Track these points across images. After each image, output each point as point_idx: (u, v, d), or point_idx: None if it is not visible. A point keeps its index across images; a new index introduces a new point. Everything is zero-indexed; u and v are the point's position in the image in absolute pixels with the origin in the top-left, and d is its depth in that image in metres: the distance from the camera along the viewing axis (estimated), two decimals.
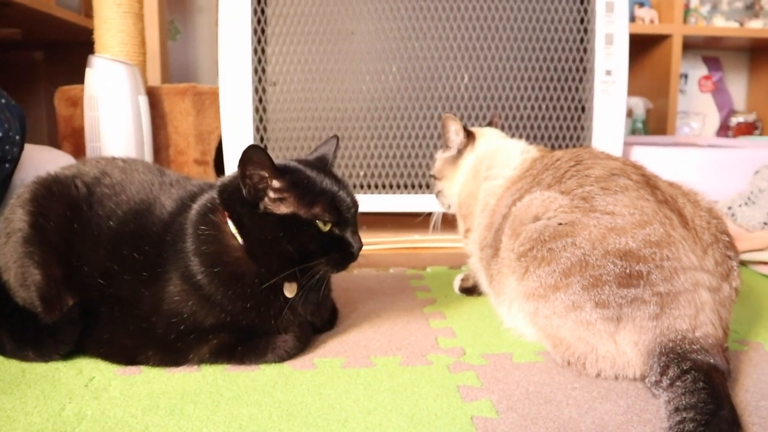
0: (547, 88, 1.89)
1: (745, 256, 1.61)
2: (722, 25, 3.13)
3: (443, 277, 1.51)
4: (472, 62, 1.85)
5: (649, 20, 2.97)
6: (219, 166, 2.07)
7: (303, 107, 1.85)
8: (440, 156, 1.42)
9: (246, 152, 0.90)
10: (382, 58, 1.84)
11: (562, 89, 1.90)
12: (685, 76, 3.30)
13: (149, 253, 0.97)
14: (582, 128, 1.92)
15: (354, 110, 1.86)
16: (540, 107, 1.89)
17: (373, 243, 1.82)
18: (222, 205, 0.97)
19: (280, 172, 0.92)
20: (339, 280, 1.43)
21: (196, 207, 1.00)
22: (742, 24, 3.15)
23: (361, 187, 1.89)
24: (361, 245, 0.98)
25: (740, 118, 3.20)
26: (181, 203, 1.03)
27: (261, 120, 1.85)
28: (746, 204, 1.62)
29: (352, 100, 1.85)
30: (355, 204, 1.00)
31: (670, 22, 2.93)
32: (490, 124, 1.46)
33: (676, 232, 0.93)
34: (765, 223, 1.58)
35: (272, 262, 0.94)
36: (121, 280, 0.97)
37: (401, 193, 1.89)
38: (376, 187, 1.89)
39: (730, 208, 1.65)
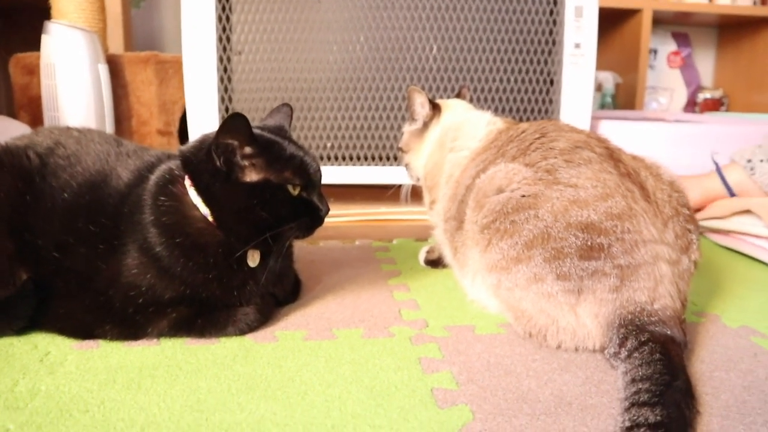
0: (516, 60, 1.88)
1: (705, 223, 1.63)
2: (692, 0, 3.14)
3: (409, 249, 1.51)
4: (441, 33, 1.83)
5: None
6: (183, 137, 2.03)
7: (269, 77, 1.82)
8: (407, 129, 1.41)
9: (228, 121, 0.88)
10: (349, 27, 1.81)
11: (531, 61, 1.89)
12: (655, 52, 3.31)
13: (106, 226, 0.95)
14: (550, 101, 1.92)
15: (321, 80, 1.83)
16: (509, 79, 1.88)
17: (340, 215, 1.81)
18: (188, 176, 0.95)
19: (253, 138, 0.90)
20: (303, 252, 1.42)
21: (154, 178, 0.98)
22: (711, 0, 3.16)
23: (329, 158, 1.87)
24: (328, 209, 0.98)
25: (707, 95, 3.23)
26: (139, 174, 1.00)
27: (226, 90, 1.81)
28: (767, 160, 1.56)
29: (319, 70, 1.82)
30: (319, 168, 0.99)
31: None
32: (458, 95, 1.45)
33: (637, 205, 0.93)
34: None
35: (244, 231, 0.93)
36: (76, 254, 0.94)
37: (369, 164, 1.87)
38: (344, 158, 1.87)
39: (749, 161, 1.58)
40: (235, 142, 0.89)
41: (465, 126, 1.26)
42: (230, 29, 1.79)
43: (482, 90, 1.87)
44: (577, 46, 1.90)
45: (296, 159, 0.94)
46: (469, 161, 1.17)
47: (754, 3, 3.13)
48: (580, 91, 1.91)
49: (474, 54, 1.85)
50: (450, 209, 1.16)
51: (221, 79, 1.80)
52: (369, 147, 1.86)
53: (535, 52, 1.88)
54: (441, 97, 1.83)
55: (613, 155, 1.02)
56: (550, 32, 1.88)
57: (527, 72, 1.89)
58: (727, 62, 3.36)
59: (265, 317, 1.01)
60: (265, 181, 0.91)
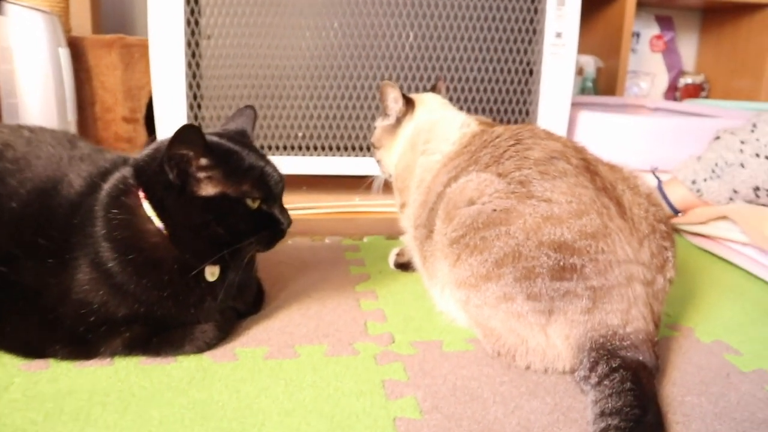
0: (495, 50, 1.83)
1: (683, 227, 1.61)
2: None
3: (380, 248, 1.47)
4: (418, 20, 1.76)
5: None
6: (150, 124, 1.96)
7: (239, 63, 1.75)
8: (379, 124, 1.36)
9: (180, 132, 0.82)
10: (323, 12, 1.74)
11: (511, 51, 1.84)
12: (637, 35, 3.26)
13: (55, 238, 0.90)
14: (529, 92, 1.88)
15: (293, 67, 1.77)
16: (487, 69, 1.83)
17: (310, 207, 1.77)
18: (141, 188, 0.89)
19: (208, 149, 0.85)
20: (271, 252, 1.38)
21: (107, 188, 0.92)
22: None
23: (300, 148, 1.81)
24: (290, 221, 0.93)
25: (688, 80, 3.20)
26: (91, 182, 0.94)
27: (194, 76, 1.74)
28: (711, 178, 1.49)
29: (291, 56, 1.76)
30: (282, 179, 0.94)
31: None
32: (433, 88, 1.40)
33: (613, 222, 0.90)
34: (731, 198, 1.47)
35: (200, 247, 0.88)
36: (24, 268, 0.89)
37: (342, 155, 1.82)
38: (316, 149, 1.82)
39: (694, 182, 1.51)
40: (190, 153, 0.84)
41: (438, 127, 1.22)
42: (199, 12, 1.72)
43: (459, 80, 1.82)
44: (559, 35, 1.85)
45: (256, 170, 0.90)
46: (441, 166, 1.13)
47: None
48: (560, 82, 1.87)
49: (452, 42, 1.79)
50: (420, 216, 1.12)
51: (189, 65, 1.73)
52: (342, 137, 1.81)
53: (516, 41, 1.83)
54: (416, 88, 1.79)
55: (589, 167, 0.98)
56: (531, 21, 1.83)
57: (506, 62, 1.84)
58: (710, 47, 3.32)
59: (224, 333, 0.97)
60: (222, 195, 0.86)
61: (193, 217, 0.87)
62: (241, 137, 0.96)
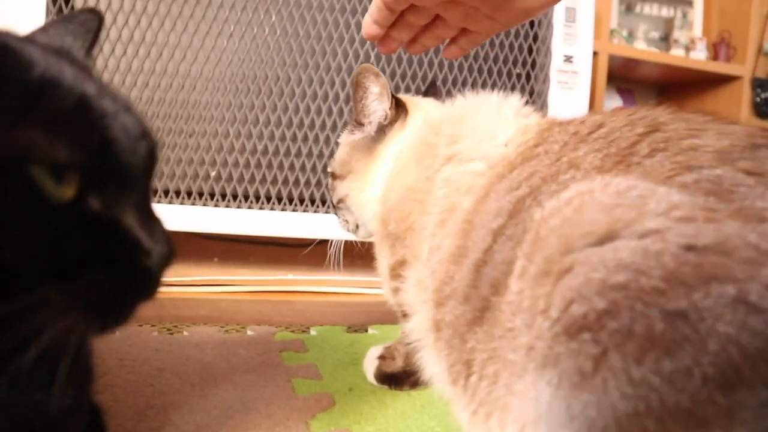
0: (490, 73, 1.34)
1: None
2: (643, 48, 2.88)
3: (340, 346, 0.88)
4: None
5: None
6: None
7: (132, 70, 1.17)
8: (346, 139, 0.82)
9: None
10: (254, 2, 1.21)
11: (509, 75, 1.36)
12: None
13: None
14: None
15: (208, 79, 1.20)
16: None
17: (223, 284, 1.16)
18: None
19: None
20: (140, 348, 0.78)
21: None
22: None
23: (212, 196, 1.22)
24: (169, 251, 0.37)
25: None
26: None
27: None
28: None
29: (206, 63, 1.20)
30: (151, 147, 0.37)
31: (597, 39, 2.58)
32: (429, 93, 0.88)
33: None
34: None
35: None
36: None
37: (275, 209, 1.24)
38: (236, 198, 1.23)
39: None
40: None
41: (471, 119, 0.67)
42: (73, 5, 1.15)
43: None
44: (568, 59, 1.39)
45: (68, 99, 0.32)
46: (495, 180, 0.58)
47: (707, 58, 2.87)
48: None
49: (434, 56, 1.30)
50: (453, 277, 0.56)
51: None
52: (276, 181, 1.24)
53: (514, 62, 1.36)
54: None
55: None
56: (533, 37, 1.37)
57: (503, 87, 1.35)
58: None
59: None
60: None
61: None
62: (62, 51, 0.38)
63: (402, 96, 0.83)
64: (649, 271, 0.38)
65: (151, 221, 0.37)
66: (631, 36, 3.09)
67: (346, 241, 0.94)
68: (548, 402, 0.43)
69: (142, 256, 0.35)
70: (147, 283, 0.36)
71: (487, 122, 0.64)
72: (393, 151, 0.76)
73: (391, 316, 0.97)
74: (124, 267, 0.35)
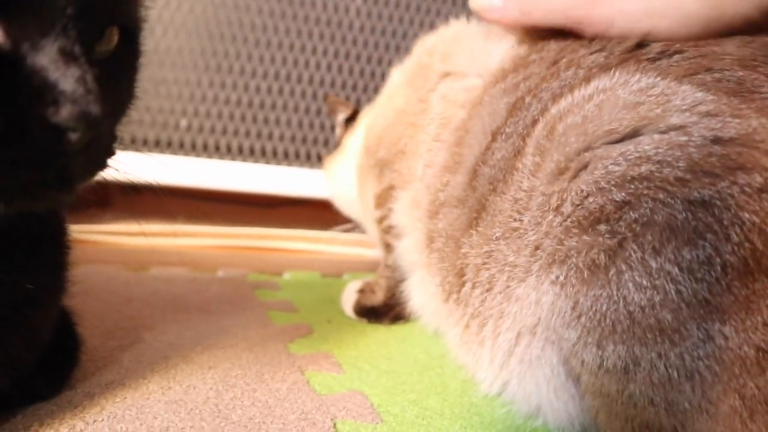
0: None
1: None
2: None
3: (315, 287, 0.86)
4: None
5: None
6: None
7: None
8: None
9: None
10: None
11: None
12: None
13: None
14: None
15: (181, 24, 1.16)
16: None
17: (191, 234, 1.12)
18: None
19: None
20: (104, 281, 0.74)
21: None
22: None
23: (181, 146, 1.18)
24: (94, 116, 0.29)
25: None
26: None
27: None
28: None
29: (179, 7, 1.16)
30: None
31: None
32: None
33: None
34: None
35: None
36: None
37: (247, 161, 1.21)
38: (207, 148, 1.19)
39: None
40: None
41: (467, 37, 0.65)
42: None
43: None
44: None
45: None
46: (488, 86, 0.56)
47: None
48: None
49: (410, 6, 1.28)
50: (449, 183, 0.54)
51: None
52: (249, 134, 1.20)
53: None
54: (365, 76, 1.23)
55: None
56: None
57: None
58: None
59: None
60: None
61: None
62: None
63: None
64: (673, 162, 0.37)
65: (81, 75, 0.29)
66: None
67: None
68: (551, 303, 0.41)
69: (49, 107, 0.28)
70: (55, 149, 0.29)
71: (482, 41, 0.62)
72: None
73: (367, 266, 0.95)
74: (23, 117, 0.28)
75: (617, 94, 0.42)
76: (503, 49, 0.60)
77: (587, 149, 0.40)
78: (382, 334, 0.67)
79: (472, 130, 0.53)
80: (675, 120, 0.38)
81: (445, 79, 0.61)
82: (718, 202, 0.35)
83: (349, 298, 0.72)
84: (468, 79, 0.59)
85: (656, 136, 0.38)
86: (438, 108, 0.60)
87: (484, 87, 0.56)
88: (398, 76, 0.70)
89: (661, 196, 0.36)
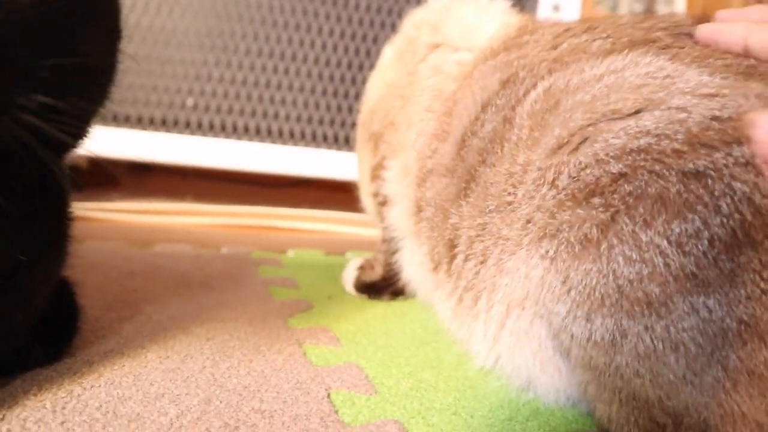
0: None
1: None
2: None
3: (318, 266, 0.86)
4: None
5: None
6: None
7: None
8: None
9: None
10: None
11: None
12: None
13: None
14: None
15: (187, 4, 1.16)
16: None
17: (196, 213, 1.13)
18: None
19: None
20: (105, 256, 0.75)
21: None
22: None
23: (187, 125, 1.19)
24: None
25: None
26: None
27: None
28: None
29: None
30: None
31: None
32: None
33: None
34: None
35: None
36: None
37: (253, 140, 1.21)
38: (214, 127, 1.20)
39: None
40: None
41: (457, 10, 0.65)
42: None
43: None
44: (556, 9, 1.38)
45: None
46: (481, 65, 0.56)
47: None
48: None
49: None
50: (437, 150, 0.55)
51: None
52: (263, 113, 1.20)
53: None
54: (372, 56, 1.23)
55: None
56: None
57: None
58: None
59: None
60: None
61: None
62: None
63: None
64: (672, 134, 0.37)
65: None
66: (614, 9, 3.10)
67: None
68: (540, 277, 0.42)
69: None
70: None
71: (473, 16, 0.62)
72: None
73: (371, 246, 0.96)
74: None
75: (625, 76, 0.42)
76: (494, 27, 0.60)
77: (591, 126, 0.40)
78: (381, 309, 0.67)
79: (462, 101, 0.53)
80: (677, 102, 0.38)
81: (435, 50, 0.62)
82: (712, 173, 0.35)
83: (349, 276, 0.73)
84: (460, 53, 0.59)
85: (657, 113, 0.38)
86: (429, 79, 0.60)
87: (474, 62, 0.56)
88: (389, 51, 0.71)
89: (657, 167, 0.37)
